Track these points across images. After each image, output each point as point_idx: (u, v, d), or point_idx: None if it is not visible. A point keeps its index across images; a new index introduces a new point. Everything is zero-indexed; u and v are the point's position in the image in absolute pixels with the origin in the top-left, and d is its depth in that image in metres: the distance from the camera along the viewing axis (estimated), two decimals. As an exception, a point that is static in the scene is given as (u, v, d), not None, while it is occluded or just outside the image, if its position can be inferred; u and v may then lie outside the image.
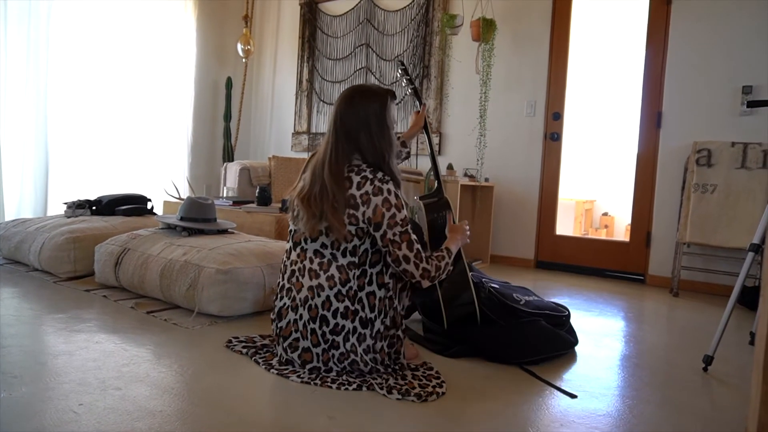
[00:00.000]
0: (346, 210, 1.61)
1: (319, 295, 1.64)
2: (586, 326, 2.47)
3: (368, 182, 1.63)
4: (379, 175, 1.65)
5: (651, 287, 3.58)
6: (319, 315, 1.64)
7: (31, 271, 2.94)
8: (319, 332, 1.64)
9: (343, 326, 1.63)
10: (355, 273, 1.65)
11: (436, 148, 4.60)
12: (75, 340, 1.87)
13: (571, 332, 2.15)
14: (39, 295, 2.47)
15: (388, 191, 1.63)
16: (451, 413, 1.47)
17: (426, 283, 1.70)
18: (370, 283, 1.66)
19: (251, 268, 2.30)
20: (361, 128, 1.66)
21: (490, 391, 1.65)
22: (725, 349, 2.09)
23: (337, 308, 1.63)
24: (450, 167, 3.94)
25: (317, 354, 1.66)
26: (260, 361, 1.77)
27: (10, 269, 2.98)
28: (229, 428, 1.31)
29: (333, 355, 1.66)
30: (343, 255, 1.66)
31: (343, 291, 1.64)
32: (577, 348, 2.11)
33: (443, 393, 1.58)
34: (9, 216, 4.01)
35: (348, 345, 1.64)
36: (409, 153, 2.25)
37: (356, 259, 1.66)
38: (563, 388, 1.69)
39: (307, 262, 1.69)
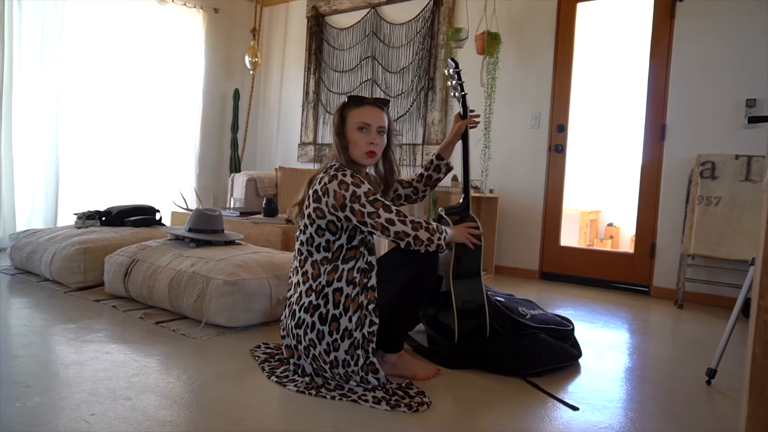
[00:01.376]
0: (307, 210, 1.72)
1: (296, 291, 1.73)
2: (590, 338, 2.48)
3: (327, 175, 1.70)
4: (342, 169, 1.72)
5: (655, 299, 3.58)
6: (293, 310, 1.71)
7: (42, 281, 2.98)
8: (289, 327, 1.71)
9: (304, 320, 1.67)
10: (326, 268, 1.69)
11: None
12: (85, 351, 1.91)
13: (575, 345, 2.17)
14: (50, 305, 2.51)
15: (344, 174, 1.68)
16: (455, 425, 1.49)
17: (424, 234, 1.65)
18: (339, 279, 1.68)
19: (258, 279, 2.34)
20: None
21: (493, 402, 1.66)
22: (728, 362, 2.09)
23: (303, 303, 1.68)
24: (454, 179, 3.97)
25: (292, 349, 1.72)
26: (266, 368, 1.80)
27: (22, 279, 3.03)
28: (237, 438, 1.34)
29: (301, 351, 1.69)
30: (317, 250, 1.72)
31: (314, 286, 1.69)
32: (580, 360, 2.13)
33: (430, 402, 1.60)
34: (20, 226, 4.07)
35: (307, 339, 1.66)
36: (448, 165, 2.09)
37: (329, 255, 1.71)
38: (566, 400, 1.71)
39: (294, 261, 1.80)
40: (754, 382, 0.51)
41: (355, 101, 1.80)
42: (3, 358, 1.79)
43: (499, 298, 2.11)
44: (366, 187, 1.67)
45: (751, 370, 0.52)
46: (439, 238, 1.68)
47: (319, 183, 1.71)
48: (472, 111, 2.11)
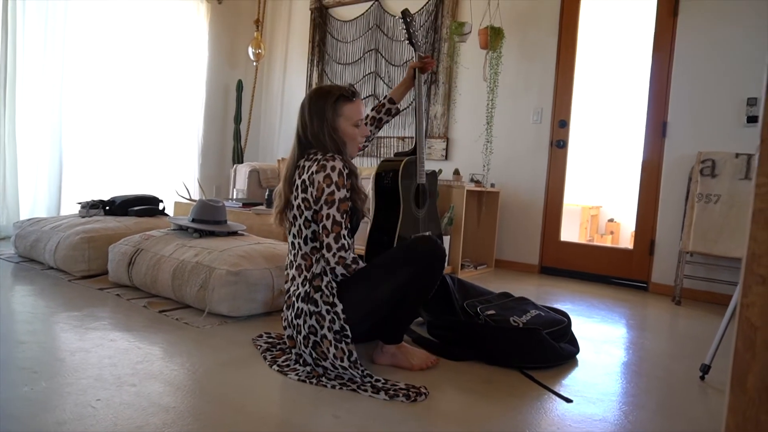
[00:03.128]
0: (295, 202, 1.75)
1: (294, 284, 1.77)
2: (587, 332, 2.52)
3: (315, 163, 1.72)
4: (328, 155, 1.73)
5: (653, 295, 3.61)
6: (292, 302, 1.75)
7: (46, 269, 3.02)
8: (290, 318, 1.75)
9: (302, 309, 1.70)
10: (317, 257, 1.74)
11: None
12: (90, 338, 1.94)
13: (573, 341, 2.19)
14: (54, 293, 2.55)
15: (332, 168, 1.69)
16: (453, 415, 1.53)
17: (339, 270, 1.69)
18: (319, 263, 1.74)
19: (260, 270, 2.37)
20: (307, 127, 1.80)
21: (490, 393, 1.70)
22: (722, 358, 2.12)
23: (300, 293, 1.72)
24: (456, 172, 4.00)
25: (294, 340, 1.76)
26: (268, 357, 1.84)
27: (26, 267, 3.07)
28: (239, 425, 1.37)
29: (300, 341, 1.73)
30: (305, 242, 1.77)
31: (308, 276, 1.73)
32: (577, 354, 2.16)
33: (428, 393, 1.63)
34: (24, 215, 4.10)
35: (306, 327, 1.70)
36: (398, 109, 2.25)
37: (317, 244, 1.75)
38: (561, 393, 1.74)
39: (289, 255, 1.84)
40: (735, 375, 0.54)
41: (350, 96, 1.82)
42: (10, 344, 1.82)
43: (489, 312, 2.11)
44: (343, 193, 1.70)
45: (733, 364, 0.55)
46: (352, 270, 1.72)
47: (307, 172, 1.74)
48: (427, 57, 2.27)
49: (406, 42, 2.38)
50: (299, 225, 1.77)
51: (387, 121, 2.24)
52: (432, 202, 2.52)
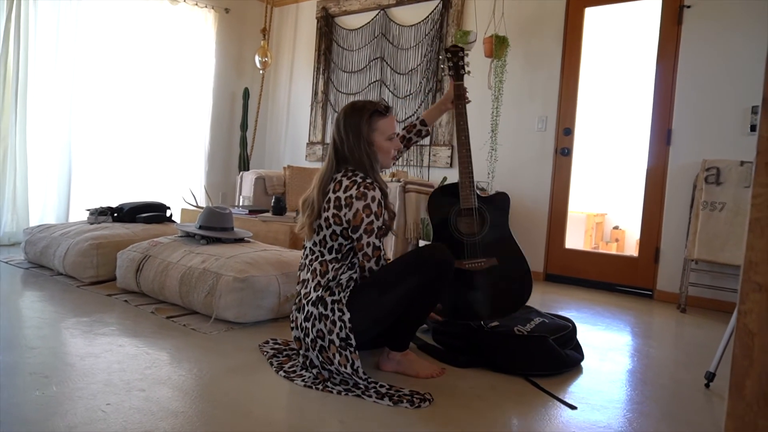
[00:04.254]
0: (324, 213, 1.78)
1: (306, 287, 1.80)
2: (592, 340, 2.52)
3: (355, 186, 1.75)
4: (368, 180, 1.77)
5: (659, 303, 3.61)
6: (302, 304, 1.78)
7: (56, 275, 3.05)
8: (299, 320, 1.77)
9: (312, 313, 1.73)
10: (335, 266, 1.78)
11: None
12: (99, 343, 1.97)
13: (578, 348, 2.20)
14: (63, 299, 2.58)
15: (372, 198, 1.74)
16: (458, 421, 1.54)
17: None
18: (344, 273, 1.79)
19: (267, 276, 2.39)
20: (344, 142, 1.82)
21: (495, 400, 1.71)
22: (727, 366, 2.13)
23: (312, 297, 1.76)
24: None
25: (301, 341, 1.79)
26: (274, 363, 1.86)
27: (36, 273, 3.10)
28: (246, 430, 1.39)
29: (307, 343, 1.75)
30: (329, 252, 1.80)
31: (322, 282, 1.76)
32: (582, 362, 2.17)
33: (432, 399, 1.64)
34: (33, 221, 4.14)
35: (315, 331, 1.72)
36: (428, 131, 2.23)
37: (339, 256, 1.80)
38: (566, 400, 1.75)
39: (304, 259, 1.88)
40: (734, 382, 0.55)
41: (383, 112, 1.85)
42: (21, 349, 1.85)
43: (493, 323, 2.11)
44: (381, 221, 1.77)
45: (732, 370, 0.57)
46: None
47: (344, 191, 1.76)
48: (460, 85, 2.23)
49: (449, 74, 2.26)
50: (325, 235, 1.80)
51: (416, 142, 2.24)
52: (499, 225, 2.25)
